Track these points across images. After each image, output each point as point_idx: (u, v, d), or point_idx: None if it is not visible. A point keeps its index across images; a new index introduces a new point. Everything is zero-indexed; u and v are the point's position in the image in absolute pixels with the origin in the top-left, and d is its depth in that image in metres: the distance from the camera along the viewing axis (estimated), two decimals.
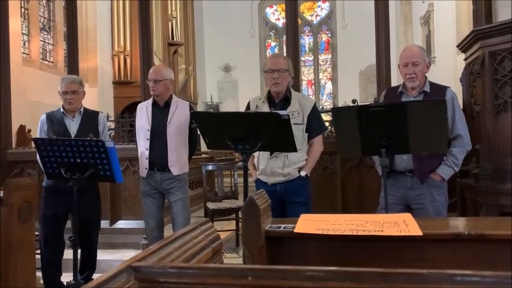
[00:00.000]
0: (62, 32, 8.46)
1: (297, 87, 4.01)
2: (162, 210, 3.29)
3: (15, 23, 6.41)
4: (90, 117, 3.30)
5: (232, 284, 0.76)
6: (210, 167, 5.09)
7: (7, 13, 4.61)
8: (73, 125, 3.24)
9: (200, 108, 12.39)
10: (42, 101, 6.61)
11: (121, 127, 5.22)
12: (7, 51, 4.56)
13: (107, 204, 4.21)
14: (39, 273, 3.19)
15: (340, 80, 13.65)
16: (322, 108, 8.27)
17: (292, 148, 2.51)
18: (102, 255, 3.76)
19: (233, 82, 13.75)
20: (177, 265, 0.86)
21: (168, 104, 3.21)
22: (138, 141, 3.27)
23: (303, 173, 2.80)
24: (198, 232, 1.07)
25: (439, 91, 2.60)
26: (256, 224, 1.37)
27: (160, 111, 3.20)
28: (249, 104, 2.95)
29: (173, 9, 10.83)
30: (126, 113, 5.28)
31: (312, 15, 14.30)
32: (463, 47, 3.54)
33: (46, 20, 8.55)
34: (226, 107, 12.67)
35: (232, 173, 5.10)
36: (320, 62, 14.27)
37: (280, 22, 13.93)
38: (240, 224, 4.36)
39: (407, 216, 1.52)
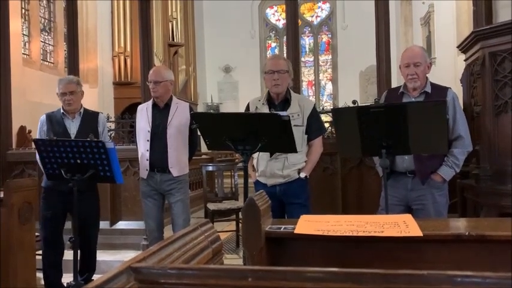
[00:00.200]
0: (62, 33, 8.47)
1: (297, 88, 4.01)
2: (162, 211, 3.29)
3: (15, 24, 6.42)
4: (90, 118, 3.30)
5: (233, 285, 0.76)
6: (210, 168, 5.09)
7: (7, 14, 4.62)
8: (73, 126, 3.24)
9: (200, 109, 12.39)
10: (43, 102, 6.61)
11: (121, 128, 5.22)
12: (7, 52, 4.56)
13: (107, 205, 4.22)
14: (39, 274, 3.19)
15: (341, 81, 13.66)
16: (323, 109, 8.27)
17: (293, 149, 2.51)
18: (102, 256, 3.76)
19: (233, 83, 13.75)
20: (177, 266, 0.86)
21: (168, 105, 3.21)
22: (139, 143, 3.27)
23: (302, 175, 2.80)
24: (198, 233, 1.07)
25: (440, 92, 2.60)
26: (256, 225, 1.37)
27: (161, 113, 3.20)
28: (248, 105, 2.94)
29: (173, 10, 10.84)
30: (127, 114, 5.29)
31: (312, 16, 14.31)
32: (463, 47, 3.54)
33: (46, 21, 8.56)
34: (227, 108, 12.67)
35: (232, 173, 5.10)
36: (320, 62, 14.28)
37: (281, 23, 13.94)
38: (240, 224, 4.36)
39: (408, 217, 1.52)
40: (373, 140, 2.27)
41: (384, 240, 1.33)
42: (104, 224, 4.05)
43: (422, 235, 1.32)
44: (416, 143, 2.26)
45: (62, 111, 3.26)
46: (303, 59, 13.70)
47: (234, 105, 12.41)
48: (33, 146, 2.96)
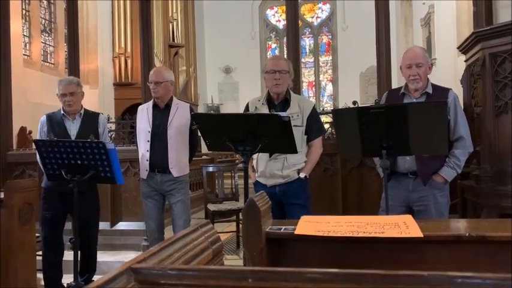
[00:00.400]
0: (62, 34, 8.48)
1: (298, 88, 4.01)
2: (162, 212, 3.29)
3: (16, 25, 6.43)
4: (90, 119, 3.29)
5: (233, 286, 0.76)
6: (210, 169, 5.09)
7: (8, 15, 4.62)
8: (73, 128, 3.23)
9: (201, 109, 12.39)
10: (43, 103, 6.62)
11: (121, 129, 5.23)
12: (8, 52, 4.56)
13: (107, 206, 4.22)
14: (40, 275, 3.19)
15: (341, 82, 13.66)
16: (323, 109, 8.28)
17: (293, 150, 2.51)
18: (102, 256, 3.75)
19: (234, 84, 13.76)
20: (177, 267, 0.86)
21: (168, 106, 3.22)
22: (139, 143, 3.27)
23: (302, 175, 2.80)
24: (199, 234, 1.07)
25: (441, 93, 2.60)
26: (256, 225, 1.37)
27: (161, 113, 3.20)
28: (247, 105, 2.94)
29: (174, 11, 10.85)
30: (127, 115, 5.29)
31: (312, 17, 14.32)
32: (464, 48, 3.54)
33: (47, 21, 8.57)
34: (227, 109, 12.68)
35: (232, 174, 5.10)
36: (320, 63, 14.29)
37: (281, 24, 13.95)
38: (240, 225, 4.36)
39: (408, 218, 1.52)
40: (373, 140, 2.27)
41: (384, 241, 1.33)
42: (104, 225, 4.06)
43: (422, 236, 1.32)
44: (417, 143, 2.26)
45: (62, 112, 3.25)
46: (303, 60, 13.71)
47: (235, 106, 12.41)
48: (34, 146, 2.96)
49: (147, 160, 3.16)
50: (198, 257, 1.00)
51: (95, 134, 3.13)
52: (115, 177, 2.72)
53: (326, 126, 4.21)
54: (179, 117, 3.18)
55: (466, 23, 6.48)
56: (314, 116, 2.87)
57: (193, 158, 3.42)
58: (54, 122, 3.23)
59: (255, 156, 2.80)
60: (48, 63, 8.43)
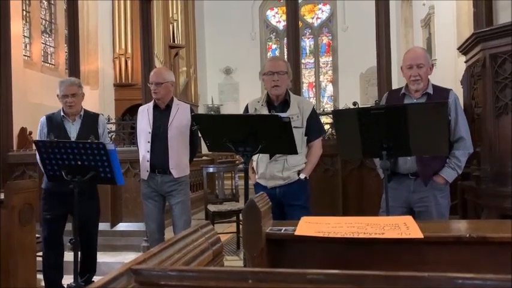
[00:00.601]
0: (63, 35, 8.49)
1: (298, 89, 4.01)
2: (162, 213, 3.29)
3: (16, 26, 6.43)
4: (90, 121, 3.28)
5: (233, 287, 0.75)
6: (210, 169, 5.09)
7: (8, 15, 4.63)
8: (73, 129, 3.22)
9: (201, 110, 12.39)
10: (44, 103, 6.62)
11: (122, 129, 5.23)
12: (8, 53, 4.57)
13: (107, 207, 4.22)
14: (40, 275, 3.19)
15: (341, 83, 13.67)
16: (323, 110, 8.27)
17: (293, 150, 2.51)
18: (102, 257, 3.75)
19: (234, 84, 13.77)
20: (177, 268, 0.86)
21: (169, 107, 3.22)
22: (139, 144, 3.27)
23: (302, 176, 2.79)
24: (199, 235, 1.07)
25: (442, 93, 2.60)
26: (257, 226, 1.37)
27: (162, 114, 3.20)
28: (247, 106, 2.94)
29: (174, 11, 10.85)
30: (127, 116, 5.29)
31: (312, 18, 14.33)
32: (464, 49, 3.54)
33: (47, 22, 8.58)
34: (227, 110, 12.67)
35: (233, 175, 5.10)
36: (321, 64, 14.30)
37: (281, 25, 13.96)
38: (240, 226, 4.36)
39: (408, 219, 1.52)
40: (373, 141, 2.27)
41: (384, 242, 1.33)
42: (104, 226, 4.06)
43: (422, 237, 1.32)
44: (417, 144, 2.26)
45: (62, 114, 3.24)
46: (303, 61, 13.72)
47: (235, 107, 12.41)
48: (34, 147, 2.96)
49: (147, 161, 3.16)
50: (198, 258, 1.00)
51: (95, 136, 3.13)
52: (115, 178, 2.72)
53: (326, 127, 4.21)
54: (180, 118, 3.18)
55: (466, 24, 6.49)
56: (314, 117, 2.87)
57: (194, 159, 3.42)
58: (54, 124, 3.22)
59: (254, 157, 2.80)
60: (48, 64, 8.44)
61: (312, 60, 14.30)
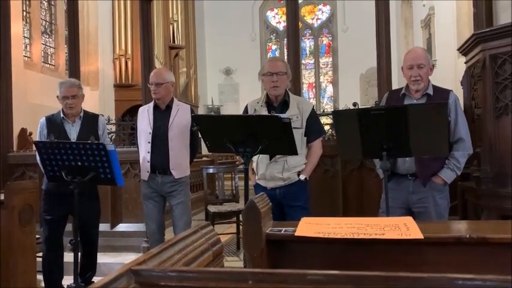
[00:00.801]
0: (63, 36, 8.49)
1: (298, 90, 4.01)
2: (163, 213, 3.29)
3: (16, 26, 6.43)
4: (90, 122, 3.28)
5: None
6: (210, 170, 5.09)
7: (8, 16, 4.63)
8: (73, 131, 3.22)
9: (201, 111, 12.39)
10: (44, 104, 6.62)
11: (122, 130, 5.23)
12: (8, 54, 4.57)
13: (107, 207, 4.21)
14: (40, 276, 3.19)
15: (341, 83, 13.67)
16: (323, 111, 8.27)
17: (293, 151, 2.51)
18: (102, 258, 3.75)
19: (234, 85, 13.77)
20: (177, 269, 0.86)
21: (169, 108, 3.22)
22: (140, 145, 3.27)
23: (302, 177, 2.79)
24: (199, 235, 1.07)
25: (442, 94, 2.60)
26: (257, 227, 1.37)
27: (162, 115, 3.21)
28: (246, 107, 2.93)
29: (174, 12, 10.86)
30: (127, 116, 5.29)
31: (312, 19, 14.35)
32: (464, 50, 3.54)
33: (47, 23, 8.58)
34: (227, 110, 12.66)
35: (233, 176, 5.10)
36: (321, 65, 14.31)
37: (281, 25, 13.97)
38: (240, 227, 4.35)
39: (408, 220, 1.52)
40: (373, 142, 2.27)
41: (384, 243, 1.33)
42: (104, 226, 4.05)
43: (423, 237, 1.32)
44: (417, 145, 2.26)
45: (62, 115, 3.23)
46: (303, 62, 13.73)
47: (235, 108, 12.41)
48: (34, 148, 2.96)
49: (148, 161, 3.16)
50: (198, 258, 1.00)
51: (95, 137, 3.13)
52: (115, 179, 2.72)
53: (326, 127, 4.21)
54: (180, 119, 3.18)
55: (466, 25, 6.49)
56: (313, 117, 2.86)
57: (194, 160, 3.42)
58: (54, 125, 3.22)
59: (254, 158, 2.79)
60: (48, 65, 8.44)
61: (312, 61, 14.31)
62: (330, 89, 14.17)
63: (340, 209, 3.84)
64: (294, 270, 0.75)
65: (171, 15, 10.69)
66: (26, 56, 7.65)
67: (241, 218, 2.71)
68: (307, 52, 14.28)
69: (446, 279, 0.68)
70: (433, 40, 8.67)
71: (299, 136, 2.73)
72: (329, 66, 14.19)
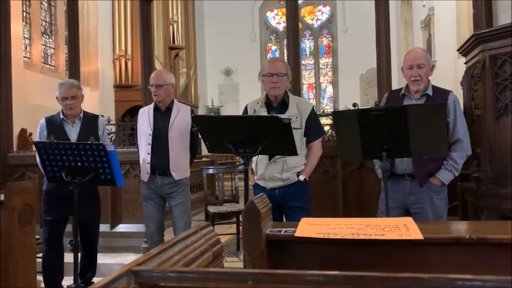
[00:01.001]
0: (63, 36, 8.49)
1: (298, 91, 4.01)
2: (162, 214, 3.29)
3: (16, 27, 6.43)
4: (89, 123, 3.28)
5: None
6: (210, 171, 5.09)
7: (9, 16, 4.63)
8: (73, 132, 3.22)
9: (201, 111, 12.39)
10: (44, 105, 6.62)
11: (122, 130, 5.23)
12: (8, 54, 4.57)
13: (107, 208, 4.21)
14: (40, 277, 3.19)
15: (341, 84, 13.67)
16: (323, 111, 8.27)
17: (293, 151, 2.51)
18: (102, 258, 3.75)
19: (234, 86, 13.77)
20: (177, 269, 0.86)
21: (169, 109, 3.22)
22: (140, 146, 3.27)
23: (301, 178, 2.78)
24: (199, 236, 1.07)
25: (441, 95, 2.60)
26: (256, 227, 1.37)
27: (162, 116, 3.21)
28: (246, 107, 2.93)
29: (174, 13, 10.86)
30: (127, 117, 5.29)
31: (312, 19, 14.35)
32: (464, 50, 3.54)
33: (47, 23, 8.58)
34: (227, 111, 12.66)
35: (233, 176, 5.10)
36: (321, 65, 14.31)
37: (281, 26, 13.98)
38: (240, 227, 4.36)
39: (408, 220, 1.52)
40: (373, 142, 2.27)
41: (384, 244, 1.33)
42: (104, 227, 4.05)
43: (422, 238, 1.32)
44: (417, 145, 2.26)
45: (61, 116, 3.23)
46: (303, 62, 13.73)
47: (235, 108, 12.41)
48: (34, 148, 2.96)
49: (148, 163, 3.16)
50: (198, 259, 1.00)
51: (95, 137, 3.12)
52: (115, 179, 2.72)
53: (326, 128, 4.21)
54: (180, 120, 3.18)
55: (466, 25, 6.49)
56: (313, 117, 2.86)
57: (194, 160, 3.42)
58: (54, 126, 3.21)
59: (254, 158, 2.79)
60: (48, 65, 8.44)
61: (312, 62, 14.31)
62: (329, 90, 14.17)
63: (340, 209, 3.84)
64: (293, 271, 0.75)
65: (171, 16, 10.69)
66: (26, 57, 7.65)
67: (241, 219, 2.71)
68: (307, 53, 14.29)
69: (446, 279, 0.68)
70: (433, 41, 8.67)
71: (299, 136, 2.73)
72: (329, 66, 14.19)
